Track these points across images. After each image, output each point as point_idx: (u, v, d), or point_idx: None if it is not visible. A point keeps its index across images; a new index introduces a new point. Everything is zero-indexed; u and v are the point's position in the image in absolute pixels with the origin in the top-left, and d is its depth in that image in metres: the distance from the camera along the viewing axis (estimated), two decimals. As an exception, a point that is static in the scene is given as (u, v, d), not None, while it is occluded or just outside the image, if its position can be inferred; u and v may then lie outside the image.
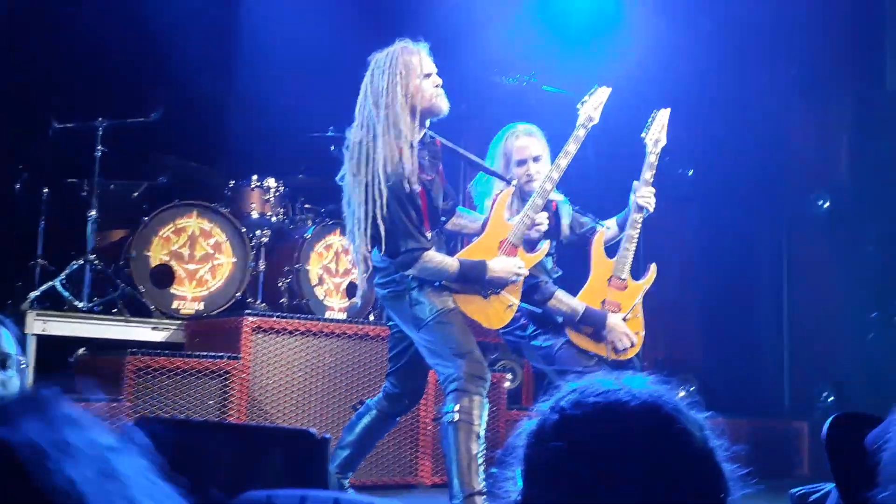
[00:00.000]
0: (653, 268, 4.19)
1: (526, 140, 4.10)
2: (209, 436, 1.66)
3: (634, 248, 4.14)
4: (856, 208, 6.37)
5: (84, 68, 6.13)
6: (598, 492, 0.93)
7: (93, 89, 6.08)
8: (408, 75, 3.65)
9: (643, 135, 4.21)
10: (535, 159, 4.07)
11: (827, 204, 6.55)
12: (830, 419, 1.23)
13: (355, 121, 3.71)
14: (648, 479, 0.94)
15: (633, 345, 4.05)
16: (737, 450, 1.01)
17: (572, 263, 4.30)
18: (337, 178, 3.78)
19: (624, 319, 4.07)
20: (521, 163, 4.06)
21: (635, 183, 4.15)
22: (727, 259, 6.89)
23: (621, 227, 4.18)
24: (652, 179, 4.16)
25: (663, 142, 4.22)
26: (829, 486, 1.58)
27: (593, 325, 4.01)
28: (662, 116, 4.24)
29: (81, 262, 5.41)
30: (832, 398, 6.19)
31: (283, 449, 1.56)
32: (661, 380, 1.03)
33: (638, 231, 4.13)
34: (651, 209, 4.13)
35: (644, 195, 4.10)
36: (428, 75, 3.70)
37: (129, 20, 6.23)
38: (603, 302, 4.08)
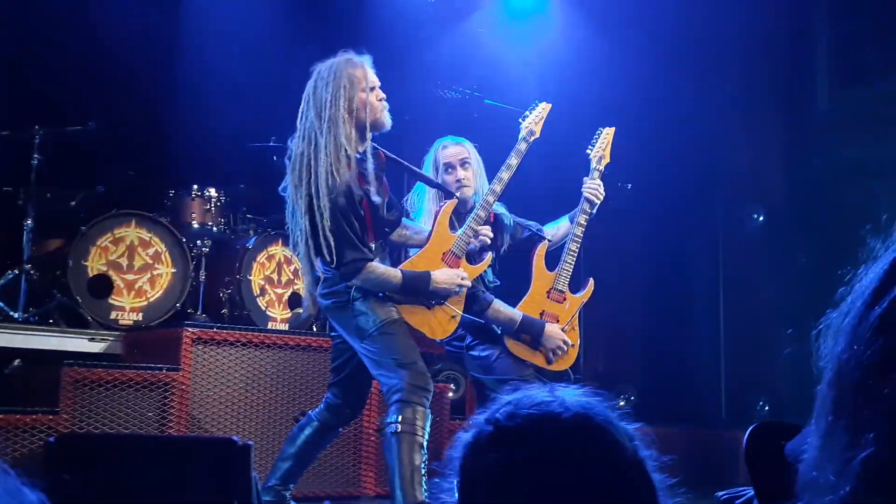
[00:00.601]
0: (591, 282, 4.28)
1: (453, 148, 4.19)
2: (133, 448, 1.66)
3: (574, 262, 4.22)
4: (789, 222, 6.53)
5: (22, 76, 6.04)
6: (530, 502, 0.96)
7: (30, 97, 5.99)
8: (352, 88, 3.66)
9: (588, 150, 4.32)
10: (463, 164, 4.14)
11: (761, 218, 6.71)
12: (750, 429, 1.27)
13: (297, 132, 3.71)
14: (581, 490, 0.96)
15: (567, 352, 4.13)
16: (666, 460, 1.05)
17: (511, 275, 4.36)
18: (280, 189, 3.78)
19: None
20: (450, 168, 4.15)
21: (585, 178, 4.24)
22: (665, 271, 7.00)
23: (572, 220, 4.26)
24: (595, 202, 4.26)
25: (607, 159, 4.34)
26: (751, 490, 1.63)
27: (531, 333, 4.07)
28: (607, 134, 4.35)
29: (17, 271, 5.32)
30: (767, 408, 6.32)
31: (207, 457, 1.56)
32: (593, 392, 1.06)
33: (578, 244, 4.21)
34: (598, 200, 4.22)
35: (591, 187, 4.19)
36: (372, 89, 3.72)
37: (69, 27, 6.15)
38: (541, 313, 4.15)
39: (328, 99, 3.63)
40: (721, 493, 1.43)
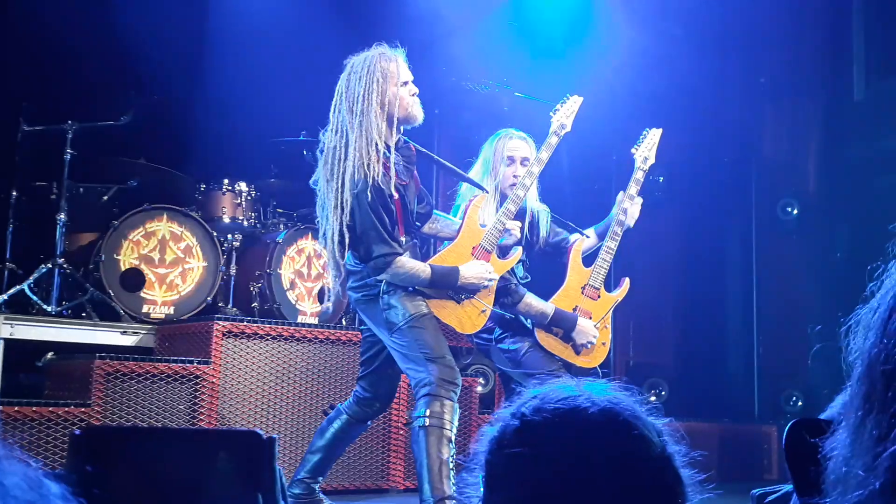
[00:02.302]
0: (626, 282, 4.26)
1: (518, 143, 4.15)
2: (157, 441, 1.66)
3: (611, 259, 4.20)
4: (824, 215, 6.45)
5: (54, 71, 6.08)
6: (557, 497, 0.94)
7: (62, 92, 6.03)
8: (385, 82, 3.65)
9: (633, 150, 4.31)
10: (524, 161, 4.11)
11: (796, 211, 6.62)
12: (790, 424, 1.24)
13: (329, 125, 3.70)
14: (607, 485, 0.95)
15: (595, 346, 4.11)
16: (696, 455, 1.02)
17: (543, 272, 4.33)
18: (311, 182, 3.78)
19: None
20: (510, 161, 4.11)
21: (621, 194, 4.21)
22: (698, 265, 6.94)
23: (601, 237, 4.25)
24: (636, 195, 4.23)
25: (652, 160, 4.32)
26: (788, 487, 1.60)
27: (563, 327, 4.05)
28: (654, 136, 4.34)
29: (50, 265, 5.36)
30: (800, 403, 6.25)
31: (232, 451, 1.56)
32: (622, 386, 1.04)
33: (616, 243, 4.19)
34: (631, 225, 4.19)
35: (630, 211, 4.16)
36: (405, 83, 3.71)
37: (99, 23, 6.19)
38: (575, 308, 4.13)
39: (361, 93, 3.62)
40: (756, 491, 1.40)
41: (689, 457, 1.01)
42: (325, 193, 3.68)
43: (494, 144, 4.16)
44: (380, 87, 3.63)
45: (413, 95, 3.72)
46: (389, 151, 3.66)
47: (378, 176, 3.57)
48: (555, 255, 4.28)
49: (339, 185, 3.58)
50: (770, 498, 1.42)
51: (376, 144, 3.59)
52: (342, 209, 3.57)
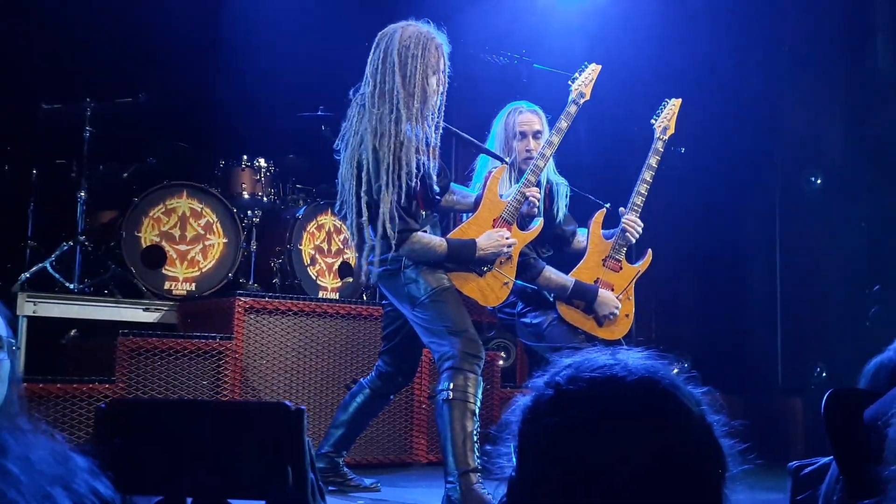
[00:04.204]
0: (649, 253, 4.24)
1: (529, 116, 4.11)
2: (186, 414, 1.66)
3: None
4: (848, 185, 6.37)
5: (72, 50, 6.08)
6: (592, 467, 0.92)
7: (81, 71, 6.03)
8: (424, 67, 3.61)
9: (652, 121, 4.29)
10: (536, 135, 4.08)
11: (819, 181, 6.55)
12: (828, 394, 1.22)
13: (371, 87, 3.64)
14: (644, 455, 0.93)
15: (617, 318, 4.08)
16: (736, 425, 1.00)
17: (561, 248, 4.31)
18: (333, 146, 3.75)
19: None
20: (522, 136, 4.07)
21: (621, 210, 4.17)
22: (720, 236, 6.88)
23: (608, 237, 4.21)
24: (656, 166, 4.20)
25: (671, 130, 4.31)
26: (825, 459, 1.58)
27: (584, 298, 4.04)
28: (674, 105, 4.32)
29: (72, 243, 5.38)
30: (825, 374, 6.20)
31: (259, 423, 1.55)
32: (658, 355, 1.02)
33: (638, 213, 4.15)
34: (633, 239, 4.15)
35: (630, 223, 4.12)
36: (444, 72, 3.68)
37: (117, 1, 6.18)
38: (596, 280, 4.11)
39: (396, 71, 3.58)
40: (793, 463, 1.39)
41: (728, 427, 0.99)
42: (348, 166, 3.65)
43: (505, 119, 4.13)
44: (426, 71, 3.60)
45: (441, 85, 3.69)
46: (412, 127, 3.62)
47: (402, 150, 3.55)
48: (561, 243, 4.25)
49: (365, 158, 3.56)
50: (806, 470, 1.40)
51: (403, 121, 3.56)
52: (370, 183, 3.55)
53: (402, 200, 3.57)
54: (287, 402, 1.52)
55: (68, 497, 0.92)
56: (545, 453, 0.95)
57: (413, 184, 3.58)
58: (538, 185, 3.97)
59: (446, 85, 3.71)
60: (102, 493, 1.00)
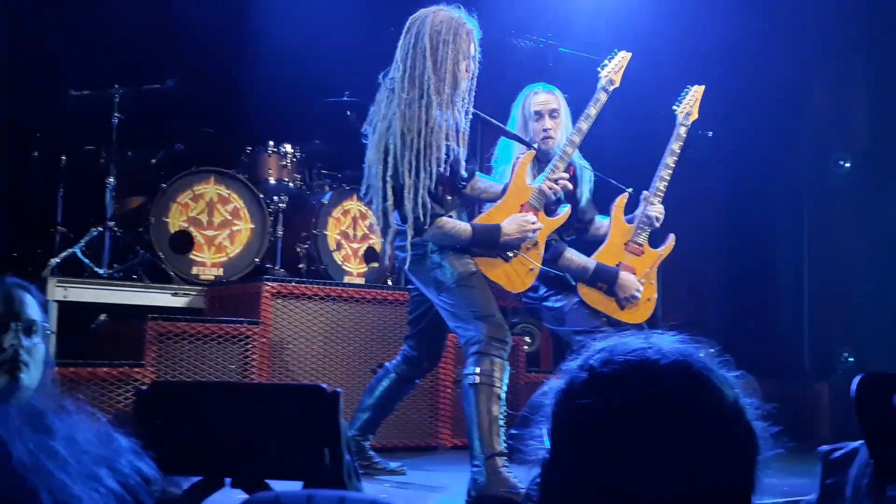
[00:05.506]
0: (671, 238, 4.22)
1: (544, 96, 4.11)
2: (223, 396, 1.68)
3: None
4: (877, 168, 6.31)
5: (100, 36, 6.12)
6: (627, 449, 0.93)
7: (109, 57, 6.07)
8: (455, 53, 3.59)
9: (674, 108, 4.27)
10: (552, 113, 4.07)
11: (847, 164, 6.49)
12: (858, 378, 1.23)
13: (401, 72, 3.63)
14: (679, 437, 0.93)
15: (639, 301, 4.08)
16: (767, 408, 1.01)
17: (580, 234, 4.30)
18: (361, 129, 3.76)
19: None
20: (538, 116, 4.07)
21: (644, 194, 4.16)
22: (747, 221, 6.85)
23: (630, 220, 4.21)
24: (679, 151, 4.18)
25: (694, 116, 4.30)
26: (853, 444, 1.58)
27: (605, 281, 4.04)
28: (696, 92, 4.30)
29: (101, 229, 5.43)
30: (852, 360, 6.17)
31: (296, 405, 1.57)
32: (691, 339, 1.02)
33: (660, 197, 4.14)
34: (657, 224, 4.15)
35: (655, 211, 4.12)
36: (474, 58, 3.67)
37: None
38: (618, 264, 4.11)
39: (427, 56, 3.56)
40: (823, 448, 1.39)
41: (761, 410, 1.00)
42: (375, 151, 3.64)
43: (521, 103, 4.15)
44: (457, 58, 3.58)
45: (469, 71, 3.67)
46: (441, 114, 3.62)
47: (429, 136, 3.55)
48: (579, 231, 4.25)
49: (392, 143, 3.56)
50: (836, 454, 1.41)
51: (433, 107, 3.56)
52: (396, 168, 3.56)
53: (427, 186, 3.58)
54: (323, 385, 1.54)
55: (113, 477, 0.95)
56: (580, 436, 0.96)
57: (442, 169, 3.59)
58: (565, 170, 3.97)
59: (476, 71, 3.70)
60: (146, 472, 1.02)
